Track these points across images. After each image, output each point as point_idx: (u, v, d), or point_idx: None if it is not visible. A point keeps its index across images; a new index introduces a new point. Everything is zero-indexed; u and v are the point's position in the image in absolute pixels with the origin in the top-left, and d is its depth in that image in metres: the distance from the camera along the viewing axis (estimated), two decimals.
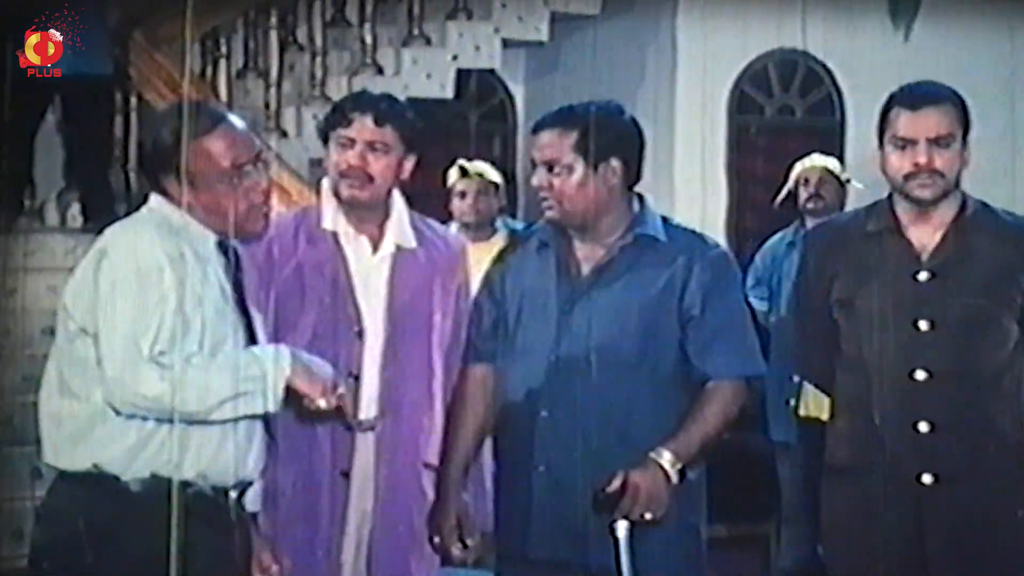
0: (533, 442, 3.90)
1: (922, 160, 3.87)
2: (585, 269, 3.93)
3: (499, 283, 4.04)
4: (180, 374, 3.35)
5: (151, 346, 3.35)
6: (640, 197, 3.99)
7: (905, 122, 3.90)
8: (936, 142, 3.88)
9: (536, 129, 3.95)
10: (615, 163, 3.89)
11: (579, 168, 3.88)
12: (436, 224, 4.31)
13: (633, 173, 3.95)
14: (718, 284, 3.92)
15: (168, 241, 3.45)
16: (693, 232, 4.05)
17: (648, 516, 3.76)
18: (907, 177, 3.90)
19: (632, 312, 3.87)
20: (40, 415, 3.54)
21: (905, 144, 3.89)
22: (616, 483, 3.76)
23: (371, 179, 4.03)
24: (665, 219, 4.02)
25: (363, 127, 4.03)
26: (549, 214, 3.93)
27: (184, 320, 3.40)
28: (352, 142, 4.04)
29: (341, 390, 3.54)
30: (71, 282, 3.50)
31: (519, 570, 3.96)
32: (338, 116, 4.09)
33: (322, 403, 3.50)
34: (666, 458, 3.79)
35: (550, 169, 3.89)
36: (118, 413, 3.40)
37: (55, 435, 3.49)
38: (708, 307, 3.88)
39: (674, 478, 3.79)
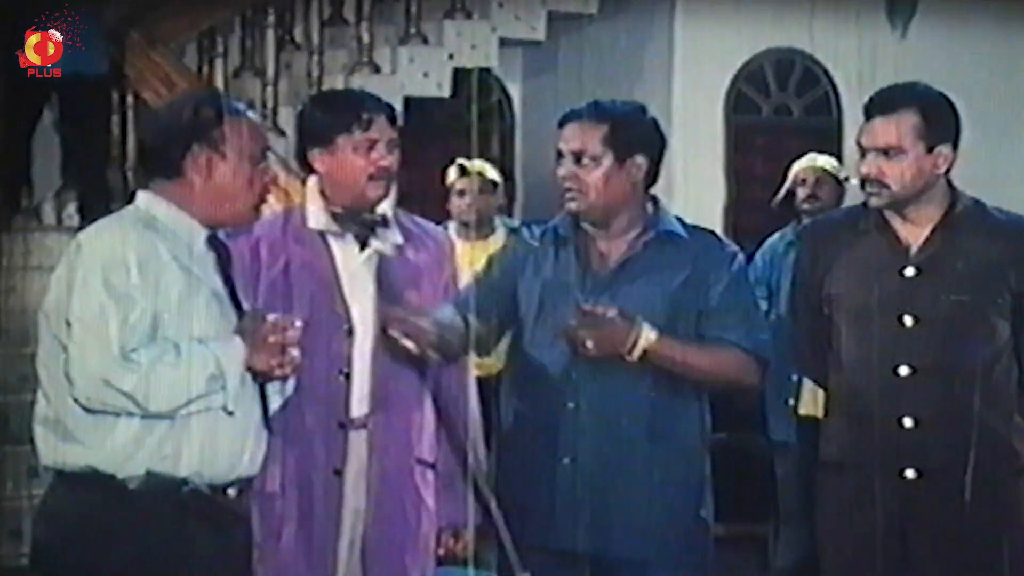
0: (559, 434, 3.92)
1: (864, 170, 3.96)
2: (609, 263, 3.97)
3: (509, 278, 4.05)
4: (150, 371, 3.36)
5: (121, 343, 3.36)
6: (655, 198, 4.03)
7: (861, 130, 3.99)
8: (884, 153, 3.91)
9: (564, 121, 4.00)
10: (640, 159, 3.95)
11: (607, 161, 3.93)
12: (422, 220, 4.31)
13: (653, 173, 4.01)
14: (739, 281, 4.01)
15: (142, 239, 3.46)
16: (710, 231, 4.13)
17: (590, 345, 3.78)
18: (861, 184, 3.97)
19: (656, 307, 3.91)
20: (35, 419, 3.55)
21: (863, 152, 3.93)
22: (598, 310, 3.80)
23: (392, 176, 4.08)
24: (679, 219, 4.08)
25: (383, 127, 4.05)
26: (572, 205, 3.96)
27: (154, 319, 3.41)
28: (374, 143, 4.03)
29: (295, 353, 3.53)
30: (52, 282, 3.51)
31: (543, 561, 3.96)
32: (351, 118, 4.04)
33: (278, 373, 3.53)
34: (648, 331, 3.81)
35: (577, 160, 3.93)
36: (87, 410, 3.40)
37: (50, 437, 3.50)
38: (732, 301, 3.96)
39: (639, 347, 3.81)
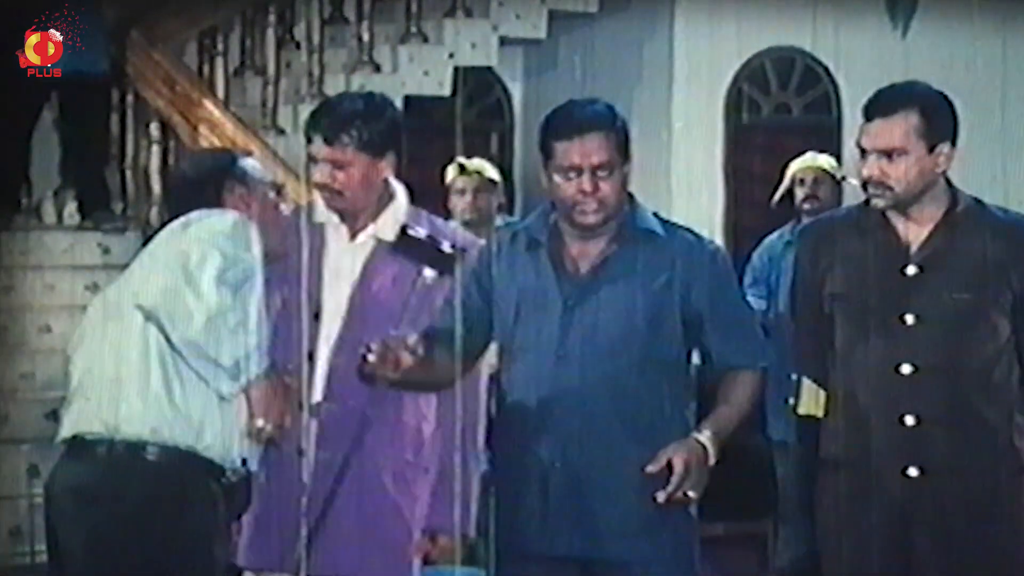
0: (546, 441, 3.86)
1: (866, 172, 3.93)
2: (584, 266, 3.89)
3: (487, 281, 3.98)
4: (221, 308, 3.55)
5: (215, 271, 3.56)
6: (630, 195, 3.98)
7: (861, 132, 3.95)
8: (886, 154, 3.89)
9: (582, 131, 3.85)
10: (629, 164, 3.89)
11: (620, 170, 3.86)
12: (441, 222, 4.29)
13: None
14: (723, 279, 3.96)
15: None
16: (686, 228, 4.04)
17: (692, 495, 3.77)
18: (863, 186, 3.94)
19: (637, 308, 3.86)
20: (70, 398, 3.74)
21: (864, 153, 3.92)
22: (660, 463, 3.75)
23: (340, 192, 4.06)
24: (655, 214, 4.00)
25: (320, 147, 4.06)
26: (592, 219, 3.85)
27: (252, 285, 3.62)
28: (316, 160, 4.06)
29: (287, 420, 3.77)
30: (138, 260, 3.74)
31: (538, 569, 3.90)
32: (304, 133, 4.14)
33: (259, 423, 3.74)
34: (706, 436, 3.81)
35: (595, 172, 3.83)
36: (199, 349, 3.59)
37: (74, 409, 3.70)
38: (721, 302, 3.91)
39: (712, 458, 3.81)
